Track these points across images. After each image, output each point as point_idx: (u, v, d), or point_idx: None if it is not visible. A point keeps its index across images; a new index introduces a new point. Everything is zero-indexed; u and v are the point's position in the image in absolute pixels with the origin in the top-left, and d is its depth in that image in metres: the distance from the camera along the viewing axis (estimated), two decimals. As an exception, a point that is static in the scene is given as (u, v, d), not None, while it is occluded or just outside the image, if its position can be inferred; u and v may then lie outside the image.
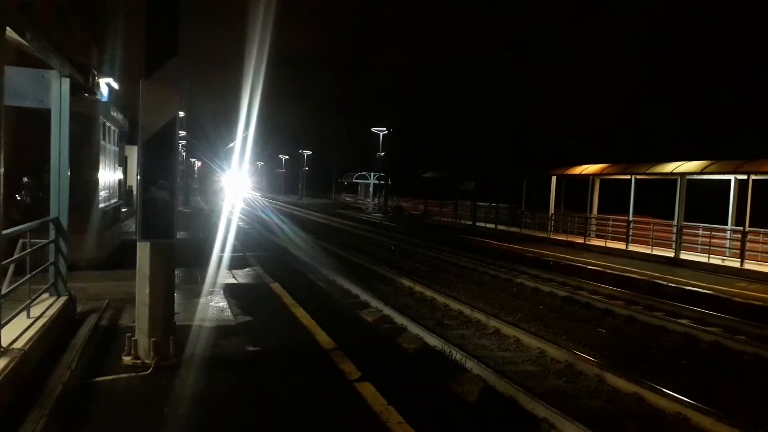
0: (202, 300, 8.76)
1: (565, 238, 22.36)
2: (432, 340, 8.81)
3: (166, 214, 5.65)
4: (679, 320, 10.67)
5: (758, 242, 16.37)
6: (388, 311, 10.64)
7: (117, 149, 13.71)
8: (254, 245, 18.61)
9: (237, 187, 49.50)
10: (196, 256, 13.08)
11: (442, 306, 11.60)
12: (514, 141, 58.54)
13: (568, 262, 16.56)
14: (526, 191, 27.06)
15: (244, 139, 46.30)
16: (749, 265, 15.45)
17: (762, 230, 16.30)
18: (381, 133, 41.92)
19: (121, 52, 12.93)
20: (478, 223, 29.83)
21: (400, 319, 10.09)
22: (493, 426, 6.18)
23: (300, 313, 8.15)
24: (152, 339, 5.53)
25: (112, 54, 12.47)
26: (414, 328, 9.50)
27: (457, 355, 8.03)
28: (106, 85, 12.16)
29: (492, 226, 28.03)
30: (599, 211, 22.95)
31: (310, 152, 69.96)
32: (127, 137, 16.47)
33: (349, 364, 5.90)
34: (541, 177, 26.29)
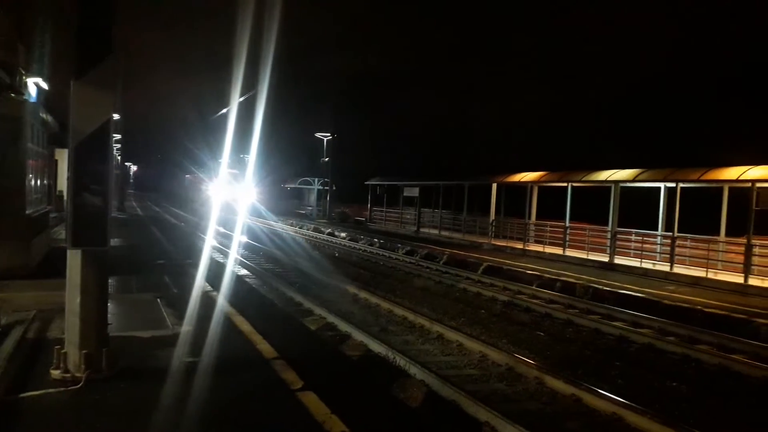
0: (138, 309, 8.44)
1: (505, 244, 22.83)
2: (376, 347, 8.79)
3: (99, 221, 5.41)
4: (614, 323, 11.06)
5: (686, 247, 17.19)
6: (332, 318, 10.56)
7: (46, 152, 13.08)
8: (195, 253, 18.13)
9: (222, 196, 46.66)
10: (133, 264, 12.62)
11: (386, 312, 11.61)
12: (459, 148, 59.48)
13: (509, 267, 16.90)
14: (469, 198, 27.52)
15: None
16: (678, 269, 16.19)
17: (689, 236, 17.12)
18: (325, 139, 41.65)
19: (52, 50, 12.32)
20: (422, 229, 30.09)
21: (344, 326, 10.03)
22: (437, 431, 6.21)
23: (241, 321, 7.97)
24: (83, 351, 5.26)
25: (42, 52, 11.87)
26: (358, 335, 9.46)
27: (401, 360, 8.04)
28: (34, 84, 11.56)
29: (435, 231, 28.34)
30: (538, 218, 23.54)
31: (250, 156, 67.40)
32: (57, 140, 15.74)
33: (292, 373, 5.80)
34: (482, 184, 26.78)
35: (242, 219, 33.25)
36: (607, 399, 6.75)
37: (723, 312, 11.21)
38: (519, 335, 10.36)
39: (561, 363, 8.66)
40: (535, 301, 13.01)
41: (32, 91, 11.50)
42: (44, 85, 11.95)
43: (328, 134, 41.74)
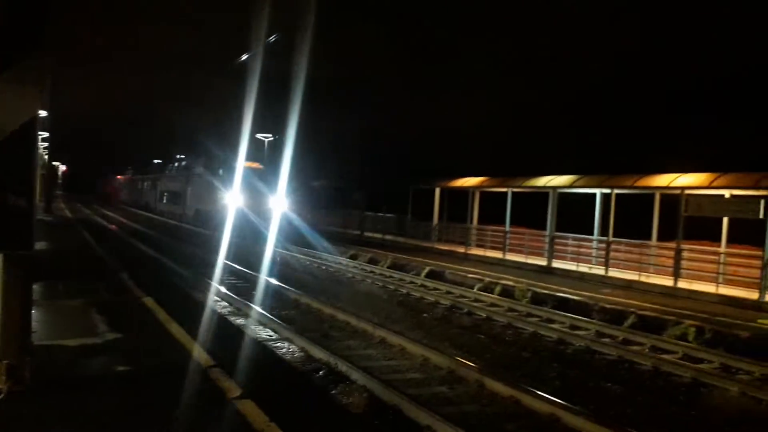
0: (66, 316, 8.04)
1: (447, 248, 23.08)
2: (317, 353, 8.67)
3: (23, 223, 5.11)
4: (552, 325, 11.33)
5: (620, 251, 17.84)
6: (272, 325, 10.36)
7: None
8: (128, 258, 17.50)
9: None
10: (61, 269, 12.04)
11: (328, 317, 11.50)
12: (404, 152, 59.65)
13: (451, 271, 17.08)
14: (413, 202, 27.71)
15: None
16: (612, 273, 16.76)
17: (623, 240, 17.77)
18: (266, 140, 41.00)
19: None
20: (366, 233, 30.06)
21: (284, 333, 9.86)
22: (378, 437, 6.17)
23: (176, 329, 7.70)
24: (4, 361, 4.95)
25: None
26: (299, 341, 9.32)
27: (343, 366, 7.96)
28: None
29: (380, 235, 28.37)
30: (480, 222, 23.93)
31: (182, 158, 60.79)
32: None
33: (229, 381, 5.64)
34: (426, 188, 27.03)
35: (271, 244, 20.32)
36: (544, 400, 6.88)
37: (654, 314, 11.66)
38: (461, 338, 10.45)
39: (501, 365, 8.79)
40: (476, 304, 13.18)
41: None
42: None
43: (269, 135, 41.06)
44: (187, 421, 4.82)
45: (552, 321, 11.78)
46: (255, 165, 30.21)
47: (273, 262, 18.33)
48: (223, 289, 13.42)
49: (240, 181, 27.12)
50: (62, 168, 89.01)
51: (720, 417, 7.24)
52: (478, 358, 9.12)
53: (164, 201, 44.46)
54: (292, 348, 9.16)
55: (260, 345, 9.25)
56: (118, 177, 73.89)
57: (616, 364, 9.30)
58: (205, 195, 32.27)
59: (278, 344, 9.38)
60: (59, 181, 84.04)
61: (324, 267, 19.08)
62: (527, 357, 9.53)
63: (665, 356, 9.42)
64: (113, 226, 34.56)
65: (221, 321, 10.75)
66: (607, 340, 10.39)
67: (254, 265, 16.87)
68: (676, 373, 8.71)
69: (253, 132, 38.74)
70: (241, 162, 27.95)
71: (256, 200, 27.86)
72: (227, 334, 9.54)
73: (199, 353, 6.58)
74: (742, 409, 7.51)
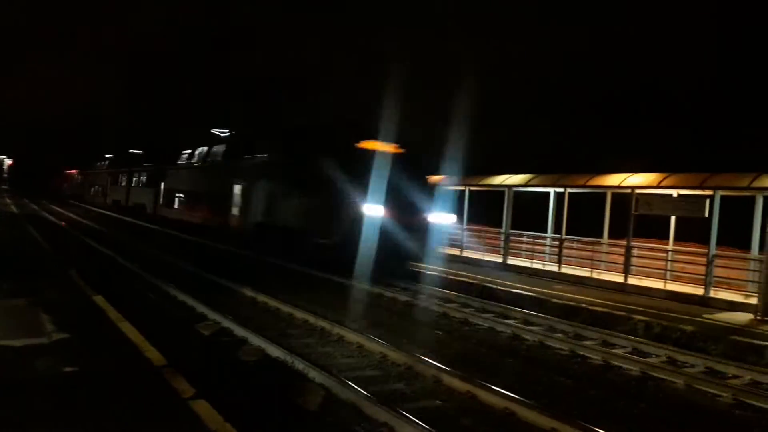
0: (10, 316, 7.72)
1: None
2: (274, 351, 8.57)
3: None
4: (507, 321, 11.52)
5: (573, 249, 18.29)
6: (227, 323, 10.19)
7: None
8: (74, 252, 16.95)
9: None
10: (3, 266, 11.56)
11: (286, 315, 11.39)
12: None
13: (410, 268, 17.15)
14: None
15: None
16: (565, 269, 17.18)
17: (576, 238, 18.21)
18: (222, 135, 40.24)
19: None
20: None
21: (240, 332, 9.71)
22: (335, 435, 6.13)
23: (127, 328, 7.49)
24: (-60, 365, 4.63)
25: None
26: (255, 340, 9.19)
27: (300, 364, 7.89)
28: None
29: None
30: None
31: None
32: None
33: (183, 381, 5.51)
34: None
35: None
36: (500, 395, 6.97)
37: (606, 309, 11.99)
38: (419, 334, 10.51)
39: (458, 361, 8.86)
40: (434, 300, 13.28)
41: None
42: None
43: (226, 131, 40.22)
44: (138, 423, 4.69)
45: (507, 317, 11.98)
46: (389, 146, 16.84)
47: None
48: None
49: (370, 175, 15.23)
50: (7, 162, 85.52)
51: (666, 409, 7.48)
52: (436, 353, 9.17)
53: (176, 205, 30.39)
54: (246, 346, 9.03)
55: (215, 343, 9.09)
56: (72, 171, 71.22)
57: (569, 358, 9.51)
58: (288, 200, 18.06)
59: (235, 342, 9.23)
60: (4, 176, 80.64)
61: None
62: (483, 352, 9.63)
63: (616, 351, 9.70)
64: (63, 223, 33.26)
65: (177, 319, 10.52)
66: (560, 335, 10.62)
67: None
68: (626, 366, 8.96)
69: (209, 126, 35.12)
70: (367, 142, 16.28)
71: (399, 210, 15.56)
72: (183, 333, 9.35)
73: (151, 353, 6.42)
74: (688, 401, 7.79)
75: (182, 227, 27.33)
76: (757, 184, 13.51)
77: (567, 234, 17.98)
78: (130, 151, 45.30)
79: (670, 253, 15.72)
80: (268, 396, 6.81)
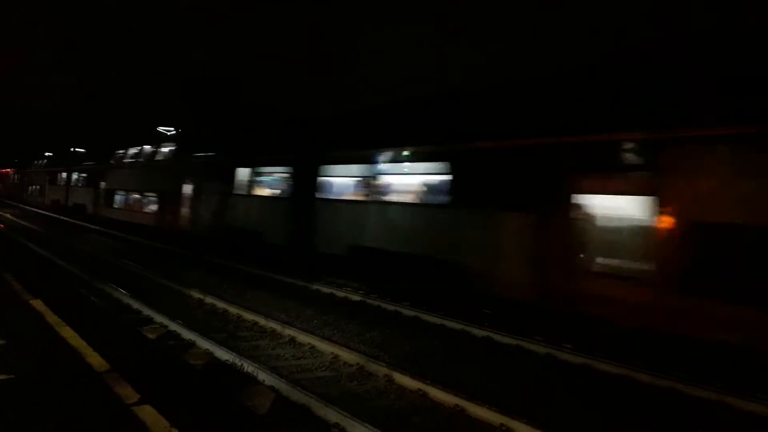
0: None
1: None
2: (223, 354, 8.43)
3: None
4: (457, 318, 11.63)
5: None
6: (174, 326, 9.95)
7: None
8: (9, 254, 16.21)
9: None
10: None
11: (235, 317, 11.20)
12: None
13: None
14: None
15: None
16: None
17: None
18: (168, 133, 39.28)
19: None
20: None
21: (187, 334, 9.50)
22: (286, 437, 6.08)
23: (68, 333, 7.21)
24: None
25: None
26: (203, 343, 9.01)
27: (249, 367, 7.79)
28: None
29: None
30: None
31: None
32: None
33: (126, 386, 5.35)
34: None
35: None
36: (450, 392, 7.06)
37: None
38: (370, 334, 10.51)
39: (409, 359, 8.92)
40: (387, 299, 13.29)
41: None
42: None
43: (171, 129, 39.27)
44: (79, 429, 4.52)
45: (456, 315, 12.11)
46: None
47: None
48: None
49: None
50: None
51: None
52: (387, 353, 9.22)
53: (116, 205, 29.70)
54: (194, 349, 8.84)
55: (161, 347, 8.86)
56: (7, 171, 68.00)
57: (515, 353, 9.67)
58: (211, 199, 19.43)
59: (182, 345, 9.02)
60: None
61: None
62: (434, 350, 9.69)
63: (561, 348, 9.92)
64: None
65: (121, 323, 10.19)
66: (503, 332, 10.80)
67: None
68: (572, 361, 9.17)
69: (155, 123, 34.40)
70: None
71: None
72: (128, 337, 9.06)
73: (93, 358, 6.20)
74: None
75: (123, 227, 27.10)
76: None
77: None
78: (72, 149, 43.75)
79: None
80: (216, 400, 6.68)
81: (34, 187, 52.91)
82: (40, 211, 42.55)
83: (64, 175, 41.95)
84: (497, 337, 10.32)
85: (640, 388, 8.05)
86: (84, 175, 37.41)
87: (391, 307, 12.63)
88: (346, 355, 8.60)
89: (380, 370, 7.96)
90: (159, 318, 10.49)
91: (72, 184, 39.61)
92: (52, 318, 8.01)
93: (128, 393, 5.22)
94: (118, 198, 30.05)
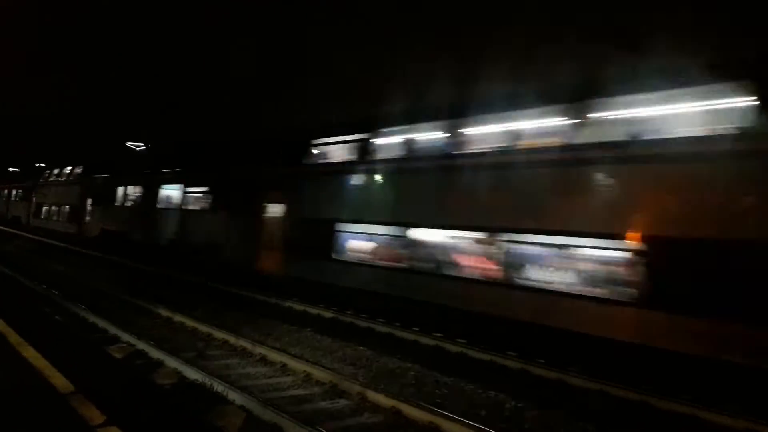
0: None
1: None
2: (192, 374, 8.23)
3: None
4: (432, 334, 11.61)
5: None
6: (141, 345, 9.71)
7: None
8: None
9: None
10: None
11: (205, 335, 10.99)
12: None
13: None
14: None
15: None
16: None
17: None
18: (138, 149, 38.84)
19: None
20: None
21: (155, 353, 9.27)
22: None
23: (30, 353, 6.98)
24: None
25: None
26: (171, 362, 8.80)
27: (219, 387, 7.62)
28: None
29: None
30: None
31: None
32: None
33: (92, 408, 5.19)
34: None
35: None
36: (424, 409, 7.01)
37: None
38: (344, 351, 10.41)
39: (383, 376, 8.84)
40: (362, 315, 13.21)
41: None
42: None
43: (141, 144, 38.85)
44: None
45: (429, 332, 12.08)
46: None
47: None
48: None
49: None
50: None
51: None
52: (361, 370, 9.15)
53: (43, 215, 39.54)
54: (164, 370, 8.63)
55: (128, 367, 8.63)
56: None
57: (487, 366, 9.69)
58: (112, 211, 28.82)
59: (150, 365, 8.79)
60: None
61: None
62: (408, 366, 9.61)
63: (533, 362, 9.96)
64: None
65: (86, 344, 9.91)
66: (480, 347, 10.80)
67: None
68: (546, 376, 9.22)
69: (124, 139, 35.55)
70: None
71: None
72: (93, 357, 8.82)
73: (57, 379, 6.00)
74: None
75: (48, 234, 34.22)
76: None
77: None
78: (8, 169, 54.54)
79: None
80: (185, 420, 6.52)
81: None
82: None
83: (6, 191, 51.25)
84: (471, 353, 10.35)
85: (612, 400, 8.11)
86: (20, 191, 46.29)
87: (363, 324, 12.57)
88: (319, 374, 8.49)
89: (353, 387, 7.87)
90: (126, 337, 10.22)
91: (12, 199, 48.26)
92: (13, 338, 7.76)
93: (94, 415, 5.05)
94: (44, 210, 38.92)
